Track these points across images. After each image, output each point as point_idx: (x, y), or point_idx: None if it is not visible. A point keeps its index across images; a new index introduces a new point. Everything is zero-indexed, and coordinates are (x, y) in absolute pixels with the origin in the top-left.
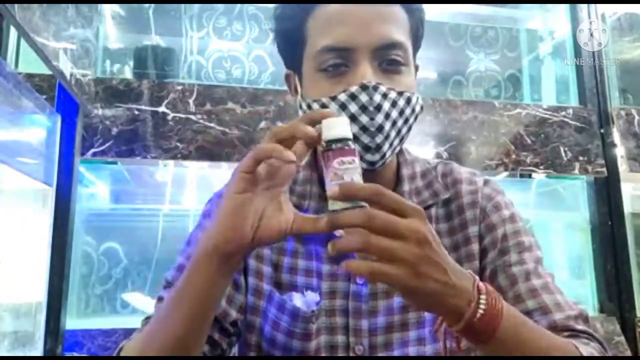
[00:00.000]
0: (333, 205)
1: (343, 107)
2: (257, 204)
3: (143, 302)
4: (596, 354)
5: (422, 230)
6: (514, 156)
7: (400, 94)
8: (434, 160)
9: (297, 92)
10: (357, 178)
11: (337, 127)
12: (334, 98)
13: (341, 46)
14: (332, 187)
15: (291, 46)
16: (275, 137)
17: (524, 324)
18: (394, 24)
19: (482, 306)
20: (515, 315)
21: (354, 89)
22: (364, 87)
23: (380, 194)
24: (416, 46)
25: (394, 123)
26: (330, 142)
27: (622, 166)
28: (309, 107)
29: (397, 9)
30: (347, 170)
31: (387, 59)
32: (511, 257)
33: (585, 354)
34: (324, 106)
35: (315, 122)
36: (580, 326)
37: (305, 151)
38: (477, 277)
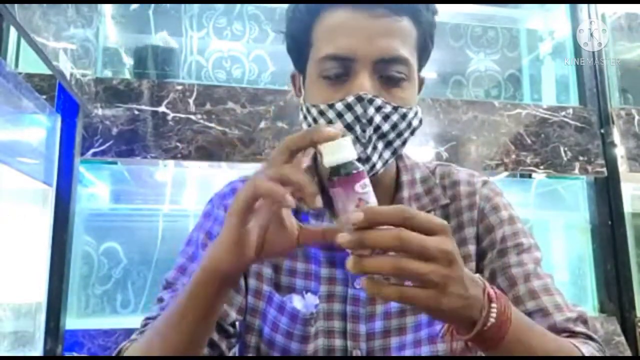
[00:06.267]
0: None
1: (339, 115)
2: (258, 222)
3: None
4: (596, 353)
5: (451, 250)
6: (514, 156)
7: (395, 108)
8: (432, 162)
9: (301, 93)
10: (374, 199)
11: (349, 148)
12: (331, 106)
13: (343, 55)
14: (354, 214)
15: (298, 49)
16: (289, 149)
17: (531, 329)
18: (399, 38)
19: (492, 314)
20: (522, 320)
21: (350, 99)
22: (359, 99)
23: (409, 217)
24: (423, 60)
25: (384, 136)
26: (343, 165)
27: (622, 166)
28: (308, 111)
29: (405, 23)
30: (369, 193)
31: (388, 73)
32: (510, 259)
33: (586, 353)
34: (321, 113)
35: (314, 143)
36: (580, 328)
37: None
38: (487, 284)
